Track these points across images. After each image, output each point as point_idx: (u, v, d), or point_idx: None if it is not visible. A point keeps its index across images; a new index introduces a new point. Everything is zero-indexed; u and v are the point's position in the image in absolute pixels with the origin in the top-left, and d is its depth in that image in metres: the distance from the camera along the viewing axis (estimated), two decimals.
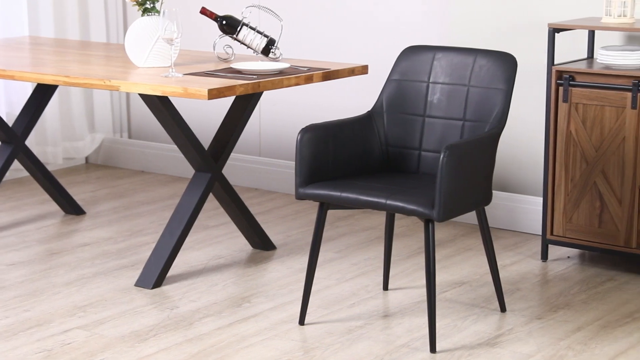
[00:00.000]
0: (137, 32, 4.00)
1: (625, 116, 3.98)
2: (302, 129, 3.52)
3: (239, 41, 4.19)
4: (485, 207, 4.55)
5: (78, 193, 5.31)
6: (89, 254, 4.36)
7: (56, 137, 5.69)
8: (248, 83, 3.68)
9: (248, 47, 4.19)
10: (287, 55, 4.92)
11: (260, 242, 4.40)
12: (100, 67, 4.08)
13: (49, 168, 5.64)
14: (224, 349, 3.40)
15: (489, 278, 4.04)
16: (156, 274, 3.96)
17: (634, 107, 3.96)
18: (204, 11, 4.17)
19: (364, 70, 4.08)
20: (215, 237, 4.60)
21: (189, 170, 5.55)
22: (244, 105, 4.14)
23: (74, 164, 5.92)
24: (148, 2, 4.04)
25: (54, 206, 5.04)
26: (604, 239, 4.09)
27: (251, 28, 4.18)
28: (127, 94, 5.95)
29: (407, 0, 4.91)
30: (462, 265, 4.22)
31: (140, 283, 3.97)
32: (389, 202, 3.34)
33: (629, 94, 3.96)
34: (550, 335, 3.51)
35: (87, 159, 6.01)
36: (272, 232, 4.64)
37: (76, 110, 5.79)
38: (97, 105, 5.88)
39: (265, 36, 4.18)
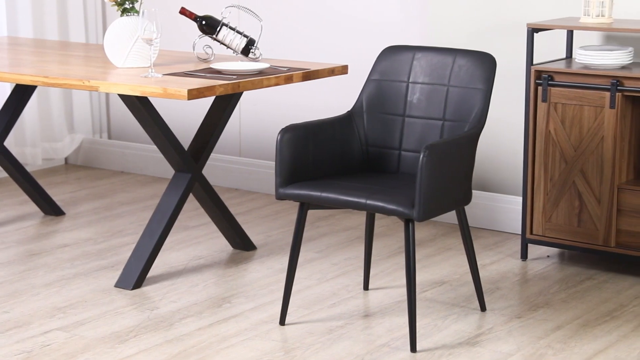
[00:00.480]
0: (116, 32, 3.99)
1: (603, 116, 4.00)
2: (282, 129, 3.52)
3: (218, 41, 4.19)
4: (465, 207, 4.56)
5: (57, 194, 5.29)
6: (69, 255, 4.35)
7: (35, 138, 5.67)
8: (228, 83, 3.68)
9: (228, 47, 4.19)
10: (267, 55, 4.92)
11: (241, 243, 4.40)
12: (79, 67, 4.06)
13: (28, 169, 5.61)
14: (205, 349, 3.40)
15: (469, 277, 4.05)
16: (136, 275, 3.95)
17: (612, 106, 3.98)
18: (183, 11, 4.17)
19: (343, 70, 4.09)
20: (195, 237, 4.60)
21: (169, 171, 5.54)
22: (223, 106, 4.14)
23: (54, 164, 5.90)
24: (127, 3, 4.03)
25: (33, 207, 5.02)
26: (583, 238, 4.11)
27: (231, 28, 4.18)
28: (107, 95, 5.93)
29: (387, 1, 4.91)
30: (442, 265, 4.23)
31: (120, 284, 3.96)
32: (369, 202, 3.35)
33: (608, 94, 3.98)
34: (530, 334, 3.53)
35: (66, 159, 5.99)
36: (253, 233, 4.64)
37: (55, 110, 5.76)
38: (77, 105, 5.86)
39: (245, 36, 4.18)
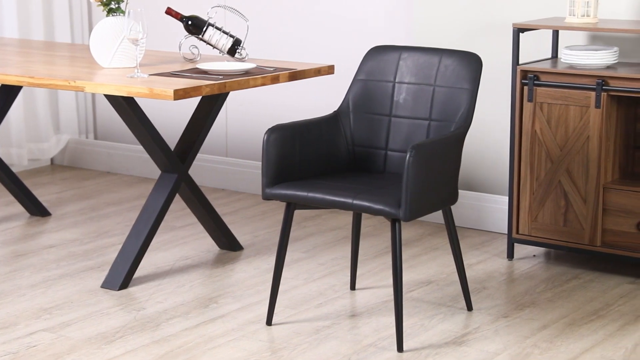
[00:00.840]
0: (102, 32, 3.98)
1: (589, 115, 4.02)
2: (269, 129, 3.51)
3: (204, 41, 4.19)
4: (452, 207, 4.57)
5: (43, 194, 5.28)
6: (55, 256, 4.34)
7: (21, 139, 5.65)
8: (214, 83, 3.68)
9: (214, 47, 4.19)
10: (253, 55, 4.92)
11: (227, 243, 4.40)
12: (65, 67, 4.05)
13: (14, 169, 5.59)
14: (191, 350, 3.40)
15: (456, 277, 4.06)
16: (123, 276, 3.94)
17: (597, 106, 3.99)
18: (169, 11, 4.16)
19: (330, 70, 4.09)
20: (182, 238, 4.59)
21: (155, 171, 5.54)
22: (210, 106, 4.13)
23: (39, 165, 5.88)
24: (113, 3, 4.02)
25: (19, 208, 5.01)
26: (569, 238, 4.12)
27: (217, 28, 4.17)
28: (93, 95, 5.92)
29: (373, 1, 4.92)
30: (428, 265, 4.23)
31: (107, 284, 3.96)
32: (355, 202, 3.35)
33: (593, 93, 3.99)
34: (516, 333, 3.53)
35: (52, 160, 5.97)
36: (239, 233, 4.64)
37: (41, 111, 5.75)
38: (62, 106, 5.85)
39: (231, 36, 4.18)
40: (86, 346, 3.42)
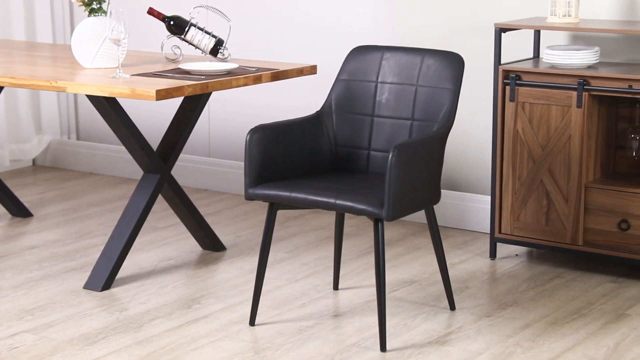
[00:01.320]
0: (84, 32, 3.97)
1: (570, 115, 4.03)
2: (251, 129, 3.51)
3: (187, 42, 4.18)
4: (434, 206, 4.58)
5: (25, 195, 5.26)
6: (37, 257, 4.32)
7: (2, 139, 5.63)
8: (196, 84, 3.67)
9: (196, 47, 4.18)
10: (236, 55, 4.92)
11: (210, 243, 4.39)
12: (46, 68, 4.04)
13: None
14: (174, 350, 3.39)
15: (439, 277, 4.06)
16: (105, 276, 3.93)
17: (579, 105, 4.00)
18: (151, 11, 4.15)
19: (312, 70, 4.09)
20: (164, 238, 4.58)
21: (137, 172, 5.52)
22: (192, 106, 4.13)
23: (21, 165, 5.86)
24: (94, 3, 4.01)
25: (0, 209, 4.99)
26: (551, 237, 4.13)
27: (199, 28, 4.17)
28: (75, 95, 5.90)
29: (355, 1, 4.92)
30: (411, 264, 4.24)
31: (89, 285, 3.94)
32: (338, 201, 3.35)
33: (575, 93, 4.01)
34: (498, 332, 3.54)
35: (34, 160, 5.95)
36: (222, 233, 4.63)
37: (23, 111, 5.73)
38: (44, 106, 5.83)
39: (214, 36, 4.17)
40: (68, 347, 3.41)
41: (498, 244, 4.36)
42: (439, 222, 4.74)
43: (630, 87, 3.91)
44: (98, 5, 4.01)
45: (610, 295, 3.89)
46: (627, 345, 3.43)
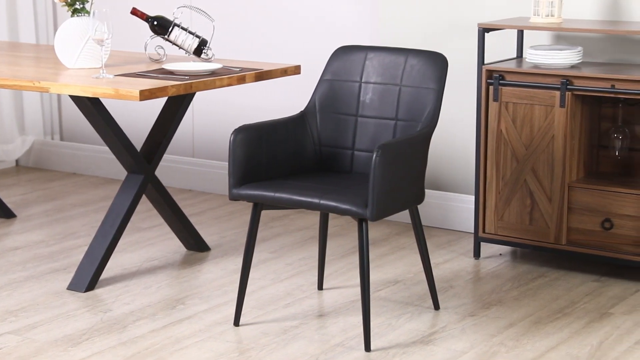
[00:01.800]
0: (67, 33, 3.96)
1: (554, 115, 4.04)
2: (235, 129, 3.51)
3: (170, 42, 4.17)
4: (418, 206, 4.58)
5: (8, 196, 5.24)
6: (20, 258, 4.31)
7: None
8: (180, 84, 3.67)
9: (180, 47, 4.18)
10: (220, 55, 4.91)
11: (194, 244, 4.38)
12: (29, 68, 4.03)
13: None
14: (159, 351, 3.38)
15: (423, 276, 4.07)
16: (89, 277, 3.92)
17: (562, 105, 4.02)
18: (134, 12, 4.15)
19: (296, 70, 4.09)
20: (148, 239, 4.58)
21: (121, 172, 5.51)
22: (176, 106, 4.12)
23: (4, 166, 5.84)
24: (78, 3, 4.00)
25: None
26: (534, 236, 4.15)
27: (183, 29, 4.16)
28: (58, 96, 5.88)
29: (339, 1, 4.92)
30: (396, 264, 4.24)
31: (73, 286, 3.93)
32: (322, 202, 3.35)
33: (558, 93, 4.02)
34: (483, 331, 3.55)
35: (17, 161, 5.93)
36: (206, 234, 4.63)
37: (6, 112, 5.70)
38: (28, 107, 5.81)
39: (197, 37, 4.17)
40: (52, 348, 3.40)
41: (482, 243, 4.37)
42: (423, 222, 4.74)
43: (613, 86, 3.92)
44: (81, 6, 4.00)
45: (593, 295, 3.90)
46: (611, 344, 3.44)
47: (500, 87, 4.12)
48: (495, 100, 4.14)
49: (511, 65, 4.15)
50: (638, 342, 3.46)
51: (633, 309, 3.75)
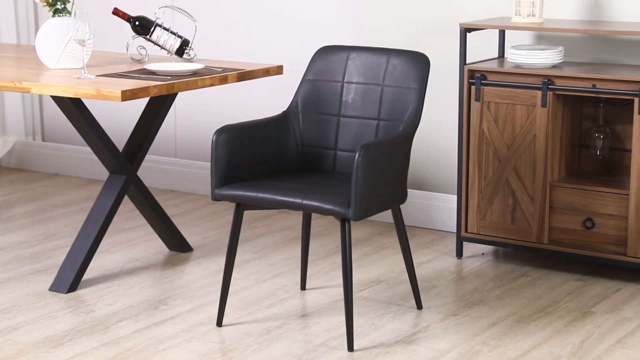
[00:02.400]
0: (48, 33, 3.95)
1: (535, 114, 4.06)
2: (218, 129, 3.51)
3: (152, 42, 4.17)
4: (401, 206, 4.59)
5: None
6: (2, 259, 4.29)
7: None
8: (162, 84, 3.66)
9: (162, 48, 4.17)
10: (202, 56, 4.90)
11: (177, 244, 4.38)
12: (10, 68, 4.01)
13: None
14: (141, 352, 3.38)
15: (405, 276, 4.08)
16: (71, 278, 3.91)
17: (544, 105, 4.03)
18: (116, 12, 4.13)
19: (278, 70, 4.09)
20: (131, 239, 4.56)
21: (103, 173, 5.50)
22: (158, 107, 4.11)
23: None
24: (59, 3, 3.99)
25: None
26: (516, 236, 4.16)
27: (164, 29, 4.15)
28: (40, 96, 5.86)
29: (322, 1, 4.93)
30: (378, 264, 4.25)
31: (55, 287, 3.92)
32: (305, 202, 3.35)
33: (539, 93, 4.03)
34: (465, 331, 3.56)
35: None
36: (189, 234, 4.62)
37: None
38: (9, 107, 5.79)
39: (179, 37, 4.16)
40: (34, 350, 3.39)
41: (464, 243, 4.38)
42: (406, 222, 4.75)
43: (594, 86, 3.94)
44: (62, 6, 3.99)
45: (575, 293, 3.92)
46: (592, 343, 3.46)
47: (482, 87, 4.13)
48: (477, 100, 4.15)
49: (493, 65, 4.16)
50: (619, 340, 3.48)
51: (614, 308, 3.77)
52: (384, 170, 3.41)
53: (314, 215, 4.76)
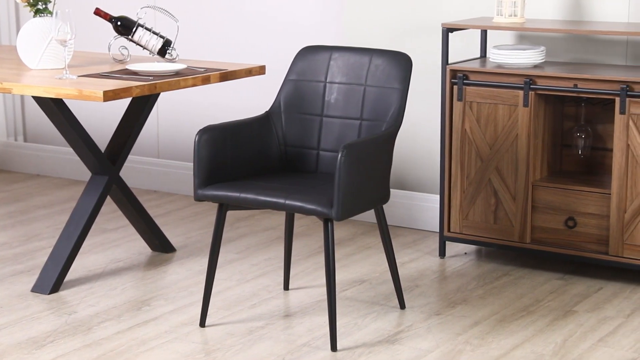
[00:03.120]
0: (30, 33, 3.93)
1: (517, 114, 4.07)
2: (200, 130, 3.50)
3: (134, 42, 4.16)
4: (384, 206, 4.60)
5: None
6: None
7: None
8: (144, 84, 3.65)
9: (144, 48, 4.16)
10: (184, 56, 4.90)
11: (160, 245, 4.37)
12: None
13: None
14: (124, 353, 3.37)
15: (389, 276, 4.08)
16: (53, 279, 3.90)
17: (525, 105, 4.04)
18: (98, 12, 4.12)
19: (261, 70, 4.09)
20: (113, 240, 4.55)
21: (86, 173, 5.48)
22: (140, 107, 4.10)
23: None
24: (40, 3, 3.97)
25: None
26: (499, 235, 4.17)
27: (147, 29, 4.15)
28: (22, 97, 5.84)
29: (304, 1, 4.93)
30: (361, 264, 4.25)
31: (37, 288, 3.91)
32: (287, 202, 3.35)
33: (521, 92, 4.05)
34: (448, 330, 3.57)
35: None
36: (172, 234, 4.61)
37: None
38: None
39: (161, 37, 4.16)
40: (16, 351, 3.37)
41: (447, 242, 4.39)
42: (389, 222, 4.76)
43: (575, 86, 3.95)
44: (44, 6, 3.98)
45: (557, 292, 3.93)
46: (575, 342, 3.47)
47: (464, 86, 4.14)
48: (459, 99, 4.16)
49: (475, 65, 4.17)
50: (601, 339, 3.49)
51: (596, 307, 3.78)
52: (366, 170, 3.41)
53: (297, 215, 4.76)
